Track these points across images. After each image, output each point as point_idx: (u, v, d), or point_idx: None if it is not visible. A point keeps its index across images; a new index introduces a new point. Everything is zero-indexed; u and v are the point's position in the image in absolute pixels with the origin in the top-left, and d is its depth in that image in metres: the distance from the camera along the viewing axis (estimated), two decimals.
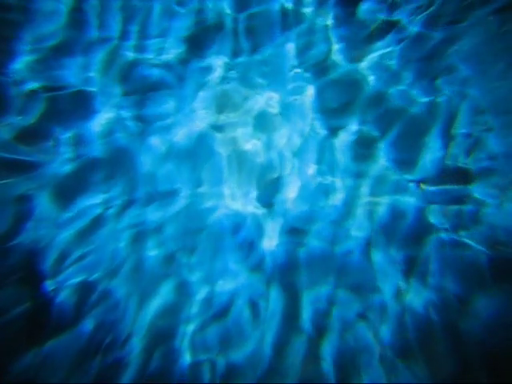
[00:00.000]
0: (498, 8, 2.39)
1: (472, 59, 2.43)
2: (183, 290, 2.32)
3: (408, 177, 2.44)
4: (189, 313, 2.28)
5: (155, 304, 2.28)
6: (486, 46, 2.42)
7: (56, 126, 2.42)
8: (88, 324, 2.20)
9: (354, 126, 2.52)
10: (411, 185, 2.42)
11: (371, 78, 2.54)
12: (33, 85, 2.42)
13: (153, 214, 2.42)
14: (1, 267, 2.20)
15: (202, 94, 2.57)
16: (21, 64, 2.43)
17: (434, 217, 2.36)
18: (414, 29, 2.52)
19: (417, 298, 2.24)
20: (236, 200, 2.47)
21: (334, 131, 2.53)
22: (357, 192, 2.45)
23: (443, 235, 2.32)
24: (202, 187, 2.48)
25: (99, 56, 2.53)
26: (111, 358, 2.16)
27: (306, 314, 2.27)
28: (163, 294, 2.30)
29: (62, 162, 2.39)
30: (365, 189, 2.44)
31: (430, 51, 2.50)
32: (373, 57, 2.55)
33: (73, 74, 2.49)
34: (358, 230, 2.39)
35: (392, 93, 2.52)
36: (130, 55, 2.56)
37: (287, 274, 2.34)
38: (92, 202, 2.38)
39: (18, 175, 2.33)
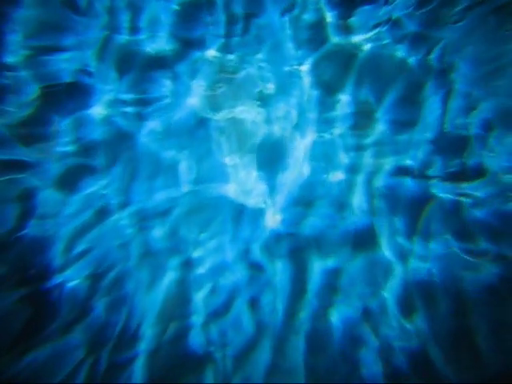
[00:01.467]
0: None
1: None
2: (191, 266, 2.38)
3: (407, 139, 2.44)
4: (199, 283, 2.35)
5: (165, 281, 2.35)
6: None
7: (54, 114, 2.41)
8: (100, 308, 2.28)
9: (350, 94, 2.51)
10: (411, 147, 2.43)
11: (366, 47, 2.51)
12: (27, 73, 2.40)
13: (156, 194, 2.44)
14: (10, 255, 2.26)
15: (197, 71, 2.55)
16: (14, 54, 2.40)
17: (434, 173, 2.38)
18: None
19: (420, 258, 2.30)
20: (238, 175, 2.49)
21: (330, 100, 2.53)
22: (358, 159, 2.47)
23: (444, 194, 2.35)
24: (203, 163, 2.49)
25: (93, 40, 2.47)
26: (128, 335, 2.24)
27: (314, 282, 2.34)
28: (172, 269, 2.37)
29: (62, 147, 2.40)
30: (366, 155, 2.47)
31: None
32: (367, 25, 2.50)
33: (67, 59, 2.46)
34: (360, 197, 2.42)
35: (387, 60, 2.49)
36: (124, 38, 2.52)
37: (293, 246, 2.40)
38: (95, 185, 2.40)
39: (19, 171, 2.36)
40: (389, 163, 2.44)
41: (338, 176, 2.47)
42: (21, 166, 2.33)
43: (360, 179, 2.45)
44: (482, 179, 2.32)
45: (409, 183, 2.41)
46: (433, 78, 2.44)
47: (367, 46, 2.50)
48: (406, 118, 2.46)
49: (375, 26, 2.49)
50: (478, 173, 2.34)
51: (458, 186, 2.35)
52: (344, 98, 2.51)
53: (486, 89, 2.35)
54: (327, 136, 2.51)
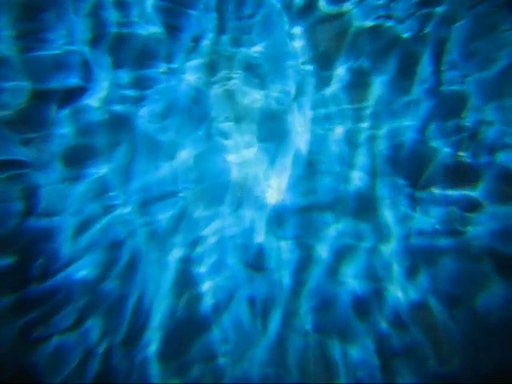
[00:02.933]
0: None
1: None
2: (198, 241, 2.41)
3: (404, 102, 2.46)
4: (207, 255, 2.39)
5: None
6: None
7: (49, 102, 2.38)
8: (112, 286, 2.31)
9: (345, 63, 2.52)
10: (409, 109, 2.45)
11: (359, 16, 2.50)
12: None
13: (159, 172, 2.45)
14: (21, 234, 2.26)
15: (191, 51, 2.52)
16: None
17: (433, 137, 2.41)
18: None
19: (422, 220, 2.36)
20: (239, 150, 2.50)
21: (325, 71, 2.53)
22: (357, 126, 2.48)
23: (444, 155, 2.38)
24: (205, 140, 2.50)
25: (84, 24, 2.43)
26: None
27: (322, 247, 2.39)
28: (179, 246, 2.39)
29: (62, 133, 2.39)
30: (364, 122, 2.48)
31: None
32: None
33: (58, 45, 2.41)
34: (361, 163, 2.45)
35: (382, 27, 2.49)
36: (115, 20, 2.46)
37: (299, 215, 2.43)
38: (98, 169, 2.40)
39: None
40: (387, 126, 2.46)
41: (338, 143, 2.48)
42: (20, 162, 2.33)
43: (360, 143, 2.47)
44: (481, 138, 2.36)
45: (409, 144, 2.43)
46: (428, 46, 2.46)
47: (360, 15, 2.50)
48: (402, 83, 2.47)
49: None
50: (476, 131, 2.37)
51: (457, 144, 2.38)
52: (339, 67, 2.52)
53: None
54: (325, 105, 2.52)
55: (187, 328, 2.28)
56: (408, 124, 2.45)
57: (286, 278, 2.35)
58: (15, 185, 2.29)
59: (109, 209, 2.38)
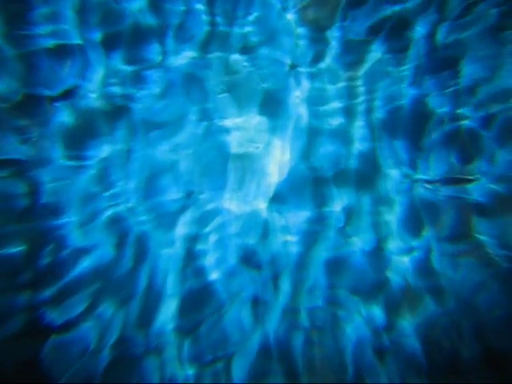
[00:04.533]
0: None
1: None
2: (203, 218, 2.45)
3: (400, 67, 2.49)
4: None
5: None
6: None
7: (44, 88, 2.39)
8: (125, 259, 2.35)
9: (339, 31, 2.53)
10: (405, 74, 2.48)
11: None
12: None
13: (160, 149, 2.47)
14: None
15: (185, 30, 2.53)
16: None
17: (431, 101, 2.44)
18: None
19: (424, 178, 2.41)
20: (238, 124, 2.52)
21: (320, 42, 2.55)
22: (354, 91, 2.51)
23: (443, 118, 2.42)
24: (205, 115, 2.51)
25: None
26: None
27: (329, 218, 2.44)
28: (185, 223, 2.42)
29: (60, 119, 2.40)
30: (361, 88, 2.51)
31: None
32: None
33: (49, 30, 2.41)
34: (360, 129, 2.48)
35: None
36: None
37: (303, 186, 2.47)
38: (99, 150, 2.42)
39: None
40: (384, 91, 2.49)
41: (336, 112, 2.51)
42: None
43: (358, 110, 2.49)
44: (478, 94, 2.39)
45: (407, 108, 2.46)
46: (424, 11, 2.47)
47: None
48: (397, 47, 2.49)
49: None
50: (474, 91, 2.39)
51: (456, 105, 2.41)
52: (333, 35, 2.53)
53: None
54: (321, 74, 2.54)
55: (198, 297, 2.34)
56: (404, 86, 2.47)
57: (293, 246, 2.39)
58: (18, 179, 2.32)
59: (113, 192, 2.41)
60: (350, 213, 2.42)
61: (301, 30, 2.56)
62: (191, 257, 2.38)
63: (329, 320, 2.29)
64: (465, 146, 2.38)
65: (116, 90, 2.46)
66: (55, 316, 2.22)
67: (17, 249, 2.24)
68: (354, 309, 2.30)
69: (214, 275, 2.36)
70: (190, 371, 2.21)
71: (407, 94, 2.47)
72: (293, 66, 2.55)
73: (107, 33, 2.46)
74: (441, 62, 2.45)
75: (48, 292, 2.24)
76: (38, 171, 2.34)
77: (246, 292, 2.34)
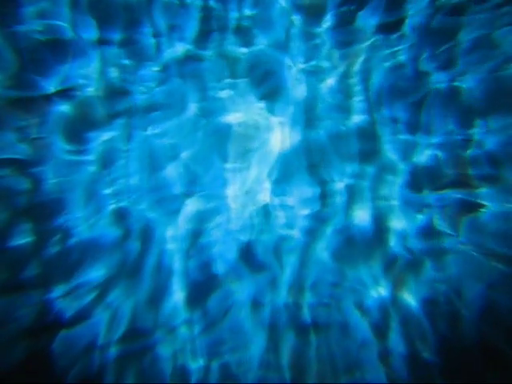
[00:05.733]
0: None
1: None
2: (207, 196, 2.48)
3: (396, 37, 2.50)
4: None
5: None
6: None
7: (40, 76, 2.40)
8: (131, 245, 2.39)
9: (333, 10, 2.54)
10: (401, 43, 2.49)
11: None
12: None
13: (161, 129, 2.50)
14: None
15: (177, 15, 2.53)
16: None
17: (428, 64, 2.47)
18: None
19: (424, 151, 2.43)
20: (237, 104, 2.54)
21: (314, 20, 2.56)
22: (350, 68, 2.54)
23: (440, 81, 2.44)
24: (205, 97, 2.53)
25: None
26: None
27: (332, 189, 2.47)
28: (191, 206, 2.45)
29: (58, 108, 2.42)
30: (356, 63, 2.53)
31: None
32: None
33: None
34: (358, 98, 2.50)
35: None
36: None
37: (305, 159, 2.49)
38: (101, 136, 2.44)
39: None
40: (381, 61, 2.51)
41: (333, 85, 2.53)
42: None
43: (356, 81, 2.51)
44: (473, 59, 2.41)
45: (404, 78, 2.48)
46: None
47: None
48: (392, 20, 2.50)
49: None
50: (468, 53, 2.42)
51: (452, 71, 2.44)
52: (328, 14, 2.54)
53: None
54: (316, 52, 2.56)
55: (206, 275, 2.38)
56: (401, 58, 2.49)
57: (300, 220, 2.43)
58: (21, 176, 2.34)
59: (115, 176, 2.43)
60: (352, 185, 2.45)
61: (295, 12, 2.57)
62: (197, 236, 2.42)
63: (334, 293, 2.33)
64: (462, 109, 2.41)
65: (114, 78, 2.48)
66: (65, 306, 2.26)
67: (23, 241, 2.28)
68: (358, 280, 2.34)
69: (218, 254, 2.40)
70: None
71: (403, 62, 2.49)
72: (288, 47, 2.57)
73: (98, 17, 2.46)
74: (436, 32, 2.47)
75: (57, 282, 2.28)
76: (39, 166, 2.37)
77: (251, 267, 2.38)
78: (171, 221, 2.42)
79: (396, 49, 2.50)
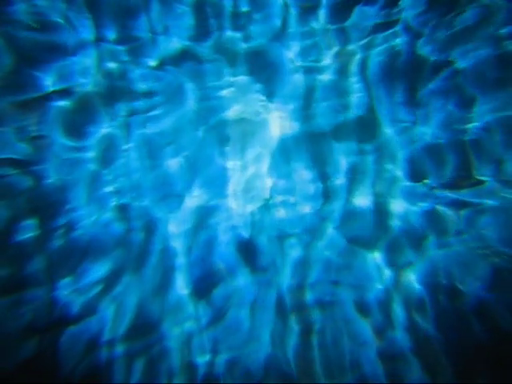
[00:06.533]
0: None
1: None
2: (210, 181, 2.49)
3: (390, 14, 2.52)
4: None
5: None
6: None
7: (37, 70, 2.40)
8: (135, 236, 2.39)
9: None
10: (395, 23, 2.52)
11: None
12: None
13: (161, 121, 2.51)
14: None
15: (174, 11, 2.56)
16: None
17: (424, 47, 2.48)
18: None
19: (424, 128, 2.45)
20: (236, 89, 2.56)
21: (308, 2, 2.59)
22: (347, 45, 2.55)
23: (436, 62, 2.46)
24: (205, 83, 2.55)
25: None
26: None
27: (335, 170, 2.49)
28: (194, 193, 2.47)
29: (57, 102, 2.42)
30: (352, 43, 2.55)
31: None
32: None
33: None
34: (356, 81, 2.52)
35: None
36: None
37: (306, 143, 2.51)
38: (101, 126, 2.45)
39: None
40: (376, 43, 2.53)
41: (331, 69, 2.56)
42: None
43: (353, 64, 2.54)
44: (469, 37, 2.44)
45: (401, 57, 2.50)
46: None
47: None
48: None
49: None
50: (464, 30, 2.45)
51: (449, 49, 2.46)
52: None
53: None
54: (312, 34, 2.58)
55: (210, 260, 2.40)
56: (398, 39, 2.51)
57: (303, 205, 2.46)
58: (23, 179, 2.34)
59: (116, 171, 2.45)
60: (353, 166, 2.47)
61: None
62: (201, 217, 2.45)
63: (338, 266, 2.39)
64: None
65: (111, 63, 2.49)
66: (70, 301, 2.26)
67: (26, 236, 2.27)
68: (359, 256, 2.40)
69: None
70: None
71: (400, 43, 2.50)
72: (284, 27, 2.58)
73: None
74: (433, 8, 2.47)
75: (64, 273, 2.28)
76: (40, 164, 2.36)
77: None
78: (174, 214, 2.44)
79: (393, 31, 2.52)
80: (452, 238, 2.32)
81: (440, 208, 2.36)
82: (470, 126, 2.39)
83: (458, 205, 2.35)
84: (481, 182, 2.34)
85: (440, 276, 2.28)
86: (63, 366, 2.17)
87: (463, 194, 2.35)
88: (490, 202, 2.32)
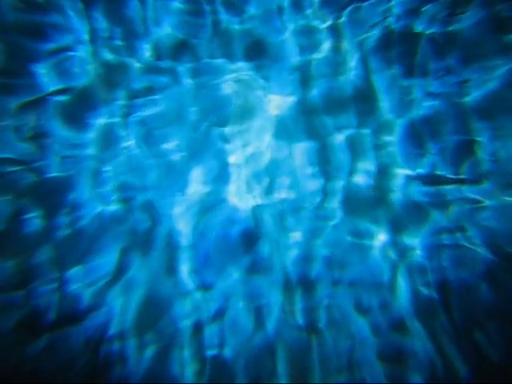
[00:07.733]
0: None
1: None
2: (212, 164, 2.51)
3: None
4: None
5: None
6: None
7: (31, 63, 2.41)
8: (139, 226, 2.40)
9: None
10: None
11: None
12: None
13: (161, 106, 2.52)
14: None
15: None
16: None
17: (420, 25, 2.51)
18: None
19: (421, 103, 2.47)
20: (235, 71, 2.58)
21: None
22: (342, 29, 2.58)
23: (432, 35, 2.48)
24: (200, 72, 2.57)
25: None
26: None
27: (333, 145, 2.51)
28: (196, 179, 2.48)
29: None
30: (348, 24, 2.59)
31: None
32: None
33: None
34: (353, 58, 2.55)
35: None
36: None
37: (305, 120, 2.54)
38: (101, 116, 2.47)
39: None
40: (372, 20, 2.56)
41: (327, 49, 2.59)
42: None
43: (348, 44, 2.57)
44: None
45: (397, 31, 2.53)
46: None
47: None
48: None
49: None
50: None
51: (446, 22, 2.49)
52: None
53: None
54: (307, 17, 2.61)
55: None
56: (394, 12, 2.53)
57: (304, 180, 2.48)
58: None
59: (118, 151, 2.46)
60: (351, 139, 2.48)
61: None
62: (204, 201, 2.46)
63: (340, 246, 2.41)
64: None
65: (107, 54, 2.51)
66: (78, 287, 2.27)
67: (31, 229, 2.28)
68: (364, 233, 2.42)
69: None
70: None
71: (395, 20, 2.53)
72: (280, 9, 2.61)
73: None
74: None
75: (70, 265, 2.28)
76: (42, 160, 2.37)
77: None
78: (176, 196, 2.45)
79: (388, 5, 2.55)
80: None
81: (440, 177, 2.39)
82: (467, 98, 2.41)
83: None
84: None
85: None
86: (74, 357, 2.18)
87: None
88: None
